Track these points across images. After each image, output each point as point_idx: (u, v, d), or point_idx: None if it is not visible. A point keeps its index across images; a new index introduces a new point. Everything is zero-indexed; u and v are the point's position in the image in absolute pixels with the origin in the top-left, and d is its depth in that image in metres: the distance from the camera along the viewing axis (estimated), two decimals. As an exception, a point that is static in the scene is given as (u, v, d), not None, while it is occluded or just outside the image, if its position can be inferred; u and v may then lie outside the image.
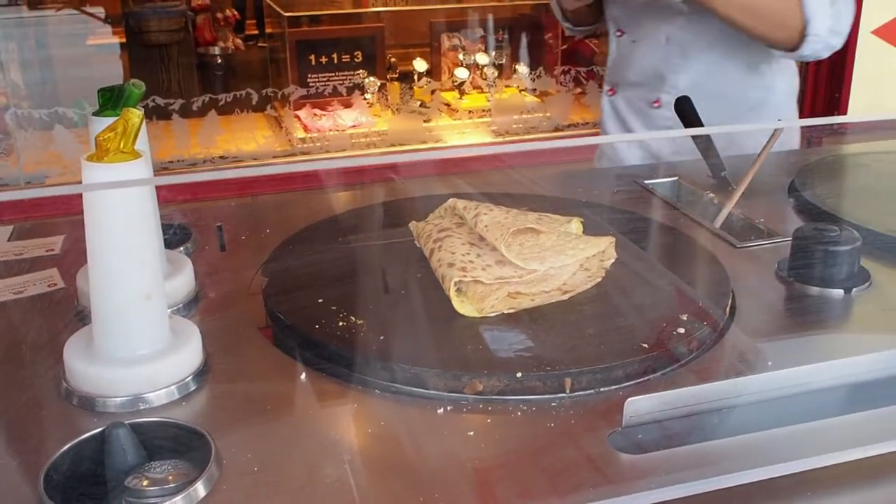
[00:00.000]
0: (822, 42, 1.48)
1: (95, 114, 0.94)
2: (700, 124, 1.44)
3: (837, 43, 1.51)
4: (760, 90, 1.70)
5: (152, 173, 0.84)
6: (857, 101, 3.31)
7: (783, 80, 1.72)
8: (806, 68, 3.39)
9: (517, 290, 0.96)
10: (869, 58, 3.26)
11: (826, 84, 3.37)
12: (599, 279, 1.01)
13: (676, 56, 1.67)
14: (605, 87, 1.86)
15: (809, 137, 1.90)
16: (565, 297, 0.97)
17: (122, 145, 0.79)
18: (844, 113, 3.33)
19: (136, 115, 0.80)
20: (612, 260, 1.06)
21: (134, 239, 0.78)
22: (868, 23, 3.23)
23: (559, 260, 1.01)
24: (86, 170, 0.77)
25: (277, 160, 3.03)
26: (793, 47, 1.52)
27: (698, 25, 1.62)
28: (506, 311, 0.94)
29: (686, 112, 1.43)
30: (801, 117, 3.41)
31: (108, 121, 0.89)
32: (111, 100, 0.94)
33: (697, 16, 1.60)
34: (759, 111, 1.70)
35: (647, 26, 1.70)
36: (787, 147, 1.73)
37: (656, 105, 1.72)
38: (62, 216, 1.23)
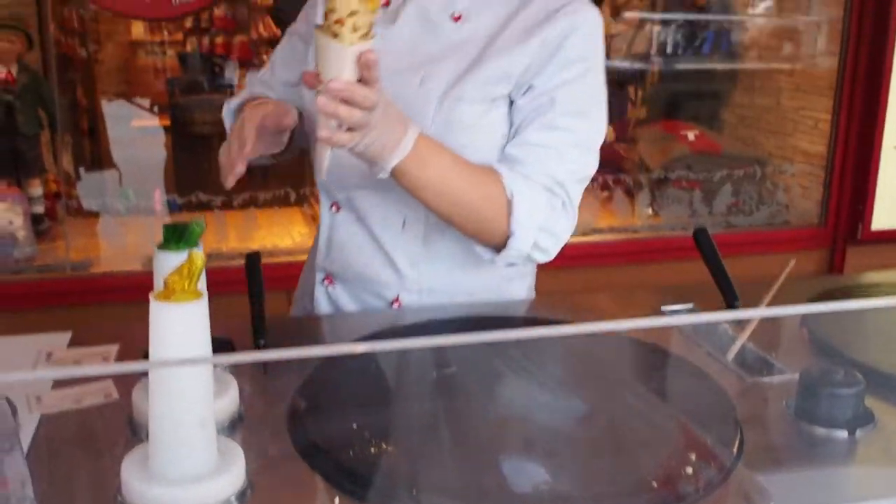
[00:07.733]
0: (528, 238, 1.32)
1: (160, 247, 1.04)
2: (716, 254, 1.51)
3: (548, 243, 1.34)
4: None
5: (207, 309, 0.91)
6: (881, 214, 3.40)
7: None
8: (829, 182, 3.48)
9: None
10: (892, 171, 3.36)
11: (850, 196, 3.46)
12: None
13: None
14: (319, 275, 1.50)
15: (831, 259, 1.96)
16: None
17: (186, 286, 0.88)
18: (869, 224, 3.41)
19: (199, 258, 0.89)
20: None
21: (195, 378, 0.87)
22: (891, 137, 3.34)
23: None
24: (154, 309, 0.86)
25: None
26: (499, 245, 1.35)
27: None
28: None
29: (703, 244, 1.51)
30: (825, 228, 3.49)
31: (171, 255, 1.00)
32: (175, 234, 1.04)
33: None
34: None
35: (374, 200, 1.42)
36: None
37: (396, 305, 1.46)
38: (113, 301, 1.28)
